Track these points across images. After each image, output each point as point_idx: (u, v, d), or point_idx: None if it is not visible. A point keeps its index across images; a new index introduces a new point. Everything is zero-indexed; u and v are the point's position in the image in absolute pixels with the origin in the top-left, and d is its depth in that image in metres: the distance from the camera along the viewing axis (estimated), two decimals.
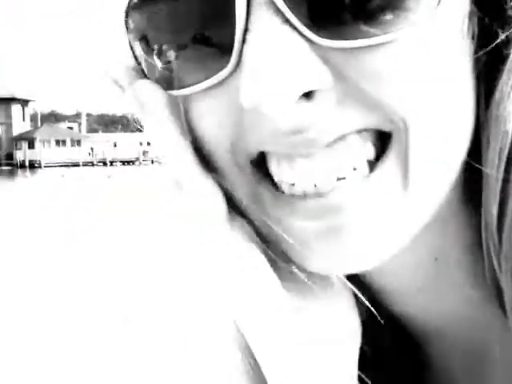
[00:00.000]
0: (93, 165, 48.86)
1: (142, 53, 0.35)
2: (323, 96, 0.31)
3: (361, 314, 0.40)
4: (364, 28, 0.30)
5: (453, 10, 0.34)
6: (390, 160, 0.33)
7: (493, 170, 0.35)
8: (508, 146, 0.34)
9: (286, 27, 0.29)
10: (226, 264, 0.33)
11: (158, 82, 0.35)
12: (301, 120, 0.31)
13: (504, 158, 0.35)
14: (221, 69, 0.32)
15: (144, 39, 0.35)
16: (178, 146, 0.34)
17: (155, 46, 0.34)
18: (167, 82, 0.35)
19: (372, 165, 0.34)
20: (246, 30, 0.30)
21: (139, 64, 0.36)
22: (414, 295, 0.40)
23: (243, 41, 0.30)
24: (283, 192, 0.35)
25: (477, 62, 0.36)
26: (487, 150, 0.35)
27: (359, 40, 0.30)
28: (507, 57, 0.35)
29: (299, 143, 0.32)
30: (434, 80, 0.34)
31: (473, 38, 0.36)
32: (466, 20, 0.35)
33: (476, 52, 0.36)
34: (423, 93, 0.33)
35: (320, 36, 0.30)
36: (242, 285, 0.32)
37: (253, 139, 0.33)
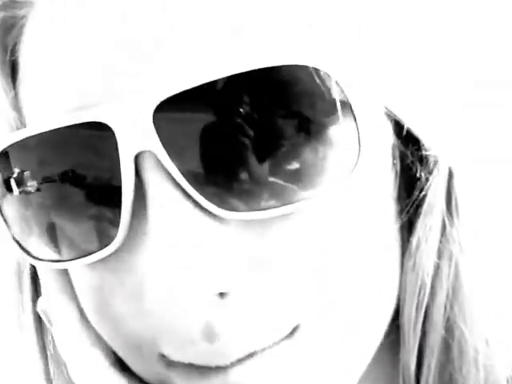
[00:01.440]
0: None
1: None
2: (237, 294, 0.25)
3: None
4: (263, 199, 0.24)
5: (375, 156, 0.27)
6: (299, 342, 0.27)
7: (410, 327, 0.30)
8: (426, 300, 0.30)
9: (186, 201, 0.24)
10: None
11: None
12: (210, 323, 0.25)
13: (421, 314, 0.30)
14: (107, 243, 0.26)
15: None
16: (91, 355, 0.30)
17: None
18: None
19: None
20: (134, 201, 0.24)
21: None
22: None
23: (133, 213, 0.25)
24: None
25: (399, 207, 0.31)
26: (404, 303, 0.30)
27: (255, 212, 0.24)
28: (424, 198, 0.30)
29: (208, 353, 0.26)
30: (350, 254, 0.26)
31: (395, 177, 0.30)
32: (390, 160, 0.29)
33: (399, 196, 0.30)
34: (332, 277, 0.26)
35: (223, 208, 0.24)
36: None
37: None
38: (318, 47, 0.25)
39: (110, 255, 0.25)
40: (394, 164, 0.29)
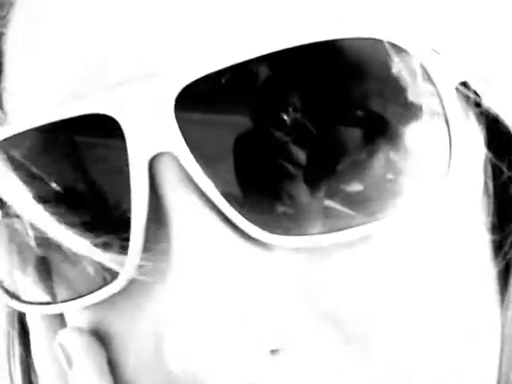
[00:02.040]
0: None
1: None
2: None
3: None
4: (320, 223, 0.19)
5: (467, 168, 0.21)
6: None
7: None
8: None
9: (223, 225, 0.18)
10: None
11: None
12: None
13: None
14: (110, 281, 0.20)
15: None
16: None
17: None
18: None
19: None
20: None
21: None
22: None
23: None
24: None
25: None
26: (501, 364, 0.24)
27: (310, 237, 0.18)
28: None
29: None
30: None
31: (488, 199, 0.23)
32: (482, 178, 0.22)
33: (493, 226, 0.23)
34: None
35: (269, 232, 0.18)
36: None
37: None
38: (394, 20, 0.19)
39: (118, 294, 0.19)
40: (485, 183, 0.22)
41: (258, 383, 0.18)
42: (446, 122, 0.18)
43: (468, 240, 0.21)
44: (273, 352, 0.18)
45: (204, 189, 0.17)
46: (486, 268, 0.22)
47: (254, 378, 0.18)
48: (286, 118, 0.17)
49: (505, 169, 0.22)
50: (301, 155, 0.18)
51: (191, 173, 0.17)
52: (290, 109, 0.17)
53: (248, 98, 0.18)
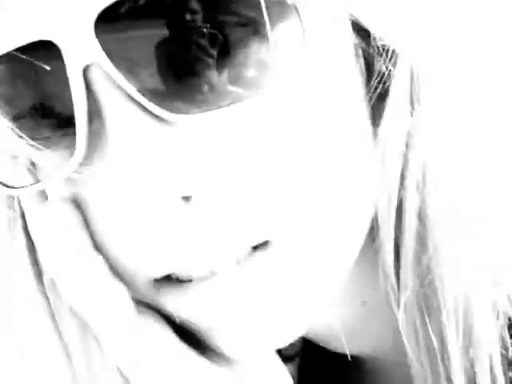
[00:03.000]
0: None
1: None
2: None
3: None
4: (212, 102, 0.24)
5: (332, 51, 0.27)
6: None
7: (384, 217, 0.30)
8: (396, 193, 0.30)
9: (137, 109, 0.23)
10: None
11: None
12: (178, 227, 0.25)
13: (394, 207, 0.30)
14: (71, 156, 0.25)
15: None
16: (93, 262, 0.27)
17: None
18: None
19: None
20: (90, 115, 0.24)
21: None
22: (347, 336, 0.37)
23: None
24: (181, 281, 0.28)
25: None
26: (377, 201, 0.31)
27: (205, 113, 0.24)
28: (387, 93, 0.29)
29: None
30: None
31: (361, 73, 0.29)
32: (353, 57, 0.29)
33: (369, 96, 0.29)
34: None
35: (171, 111, 0.24)
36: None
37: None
38: None
39: (79, 170, 0.25)
40: (357, 62, 0.29)
41: (173, 227, 0.25)
42: (300, 19, 0.24)
43: (345, 100, 0.27)
44: (186, 199, 0.24)
45: (124, 88, 0.23)
46: (360, 120, 0.29)
47: (169, 222, 0.25)
48: (191, 24, 0.23)
49: (370, 50, 0.28)
50: (199, 49, 0.23)
51: (114, 77, 0.23)
52: (194, 16, 0.23)
53: (157, 13, 0.23)
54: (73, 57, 0.23)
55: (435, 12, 0.29)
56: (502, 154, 0.31)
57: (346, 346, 0.37)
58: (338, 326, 0.36)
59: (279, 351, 0.36)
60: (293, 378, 0.36)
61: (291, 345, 0.34)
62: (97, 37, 0.22)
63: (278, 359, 0.33)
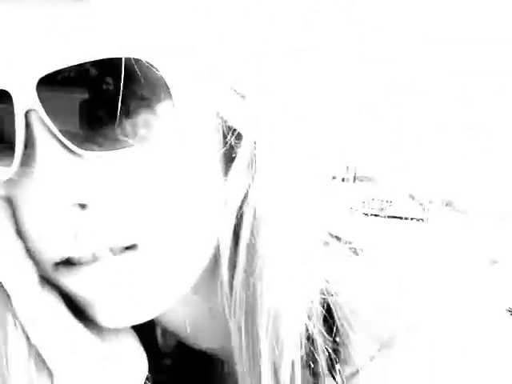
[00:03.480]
0: None
1: None
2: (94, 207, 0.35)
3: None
4: (106, 145, 0.34)
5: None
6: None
7: (223, 245, 0.41)
8: (232, 225, 0.41)
9: (56, 143, 0.33)
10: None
11: None
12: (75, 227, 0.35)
13: (230, 235, 0.41)
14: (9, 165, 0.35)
15: None
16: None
17: None
18: None
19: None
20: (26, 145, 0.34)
21: None
22: (199, 333, 0.48)
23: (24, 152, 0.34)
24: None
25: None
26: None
27: (101, 152, 0.34)
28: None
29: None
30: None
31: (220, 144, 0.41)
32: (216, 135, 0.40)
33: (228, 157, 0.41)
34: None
35: (81, 148, 0.34)
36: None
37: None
38: (157, 48, 0.35)
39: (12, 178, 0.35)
40: (217, 130, 0.40)
41: (75, 233, 0.35)
42: (172, 101, 0.35)
43: (202, 158, 0.39)
44: (83, 207, 0.35)
45: (51, 128, 0.33)
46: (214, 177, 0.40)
47: (70, 228, 0.35)
48: (102, 92, 0.33)
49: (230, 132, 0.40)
50: (109, 111, 0.34)
51: (44, 120, 0.33)
52: (106, 86, 0.34)
53: (81, 82, 0.33)
54: (19, 103, 0.33)
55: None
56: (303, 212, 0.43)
57: (198, 340, 0.48)
58: (189, 323, 0.46)
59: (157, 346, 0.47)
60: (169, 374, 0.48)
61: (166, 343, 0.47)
62: (37, 91, 0.33)
63: (136, 339, 0.43)
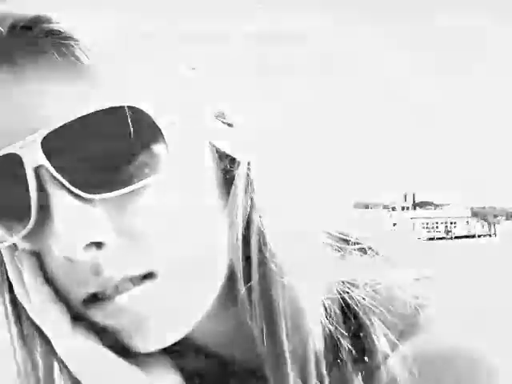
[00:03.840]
0: None
1: None
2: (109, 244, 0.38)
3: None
4: (117, 181, 0.38)
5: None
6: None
7: (236, 264, 0.44)
8: (241, 249, 0.43)
9: (66, 193, 0.36)
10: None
11: None
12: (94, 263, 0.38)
13: (240, 256, 0.43)
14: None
15: None
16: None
17: None
18: None
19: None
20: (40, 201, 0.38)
21: None
22: (224, 342, 0.50)
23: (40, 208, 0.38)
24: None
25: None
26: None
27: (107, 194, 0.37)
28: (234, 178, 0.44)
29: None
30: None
31: (216, 173, 0.44)
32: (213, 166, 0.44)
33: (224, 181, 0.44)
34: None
35: (90, 193, 0.37)
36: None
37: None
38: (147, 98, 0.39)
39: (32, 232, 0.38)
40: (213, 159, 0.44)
41: (96, 269, 0.38)
42: (165, 144, 0.39)
43: (204, 192, 0.42)
44: (99, 245, 0.38)
45: (61, 180, 0.37)
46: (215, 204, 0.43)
47: (90, 266, 0.38)
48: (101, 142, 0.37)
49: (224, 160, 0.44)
50: (111, 157, 0.37)
51: (53, 173, 0.37)
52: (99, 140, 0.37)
53: (83, 135, 0.37)
54: (28, 163, 0.37)
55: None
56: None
57: (223, 348, 0.50)
58: (221, 336, 0.49)
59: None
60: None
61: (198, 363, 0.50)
62: (42, 150, 0.36)
63: (169, 361, 0.46)
